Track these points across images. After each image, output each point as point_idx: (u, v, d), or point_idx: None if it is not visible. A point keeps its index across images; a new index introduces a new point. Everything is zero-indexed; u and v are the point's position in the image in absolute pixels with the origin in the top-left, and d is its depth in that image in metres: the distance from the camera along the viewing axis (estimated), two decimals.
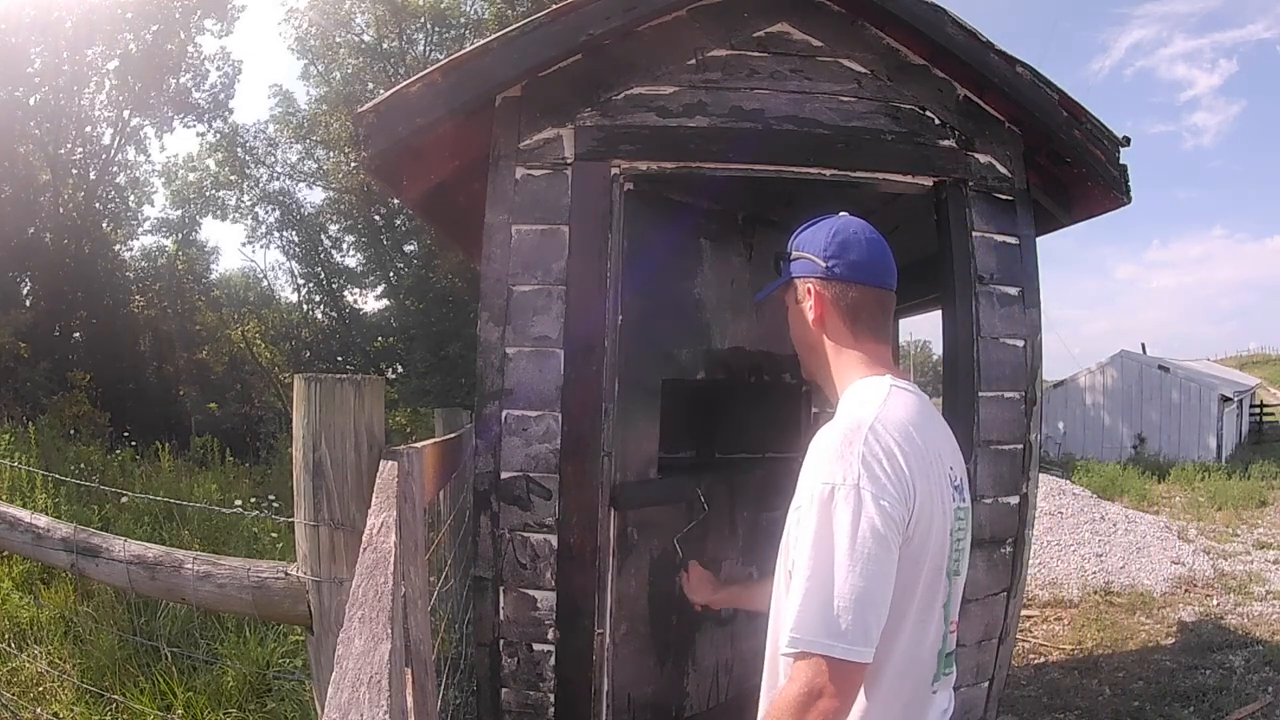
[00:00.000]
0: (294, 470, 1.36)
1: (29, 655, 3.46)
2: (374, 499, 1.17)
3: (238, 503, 5.72)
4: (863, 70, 2.37)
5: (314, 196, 21.09)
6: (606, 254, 2.24)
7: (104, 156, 17.93)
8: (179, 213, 20.35)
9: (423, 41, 19.07)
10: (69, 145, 17.10)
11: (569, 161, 2.27)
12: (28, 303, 16.44)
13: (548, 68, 2.27)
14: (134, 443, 10.00)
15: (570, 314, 2.23)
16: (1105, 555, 6.87)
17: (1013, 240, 2.44)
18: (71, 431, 10.21)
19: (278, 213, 20.56)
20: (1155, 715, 3.77)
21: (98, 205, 17.98)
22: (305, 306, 21.72)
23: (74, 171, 17.41)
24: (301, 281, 21.45)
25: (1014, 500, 2.40)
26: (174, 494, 6.54)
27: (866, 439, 1.08)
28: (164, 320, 18.59)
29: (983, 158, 2.42)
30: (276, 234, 20.88)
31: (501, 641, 2.23)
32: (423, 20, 18.72)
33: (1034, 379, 2.44)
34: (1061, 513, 7.95)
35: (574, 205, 2.25)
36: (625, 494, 2.46)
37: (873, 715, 1.13)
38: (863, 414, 1.13)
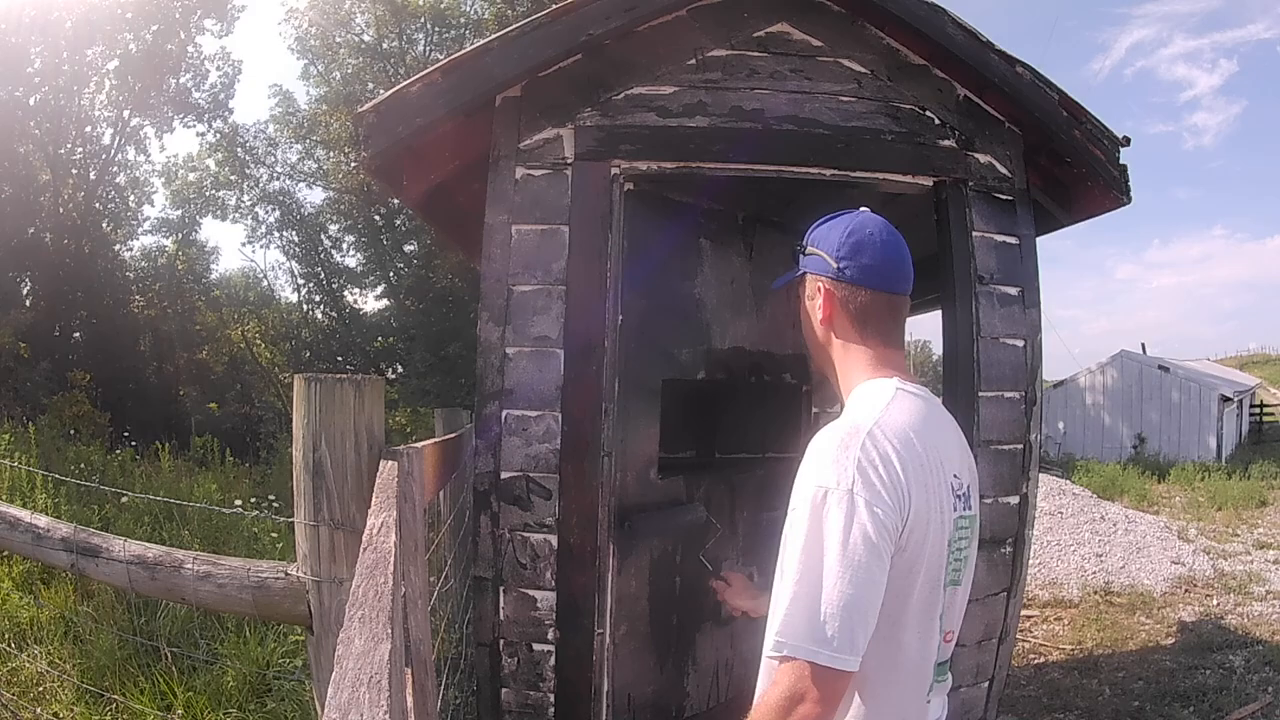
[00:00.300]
0: (294, 470, 1.36)
1: (29, 655, 3.45)
2: (374, 499, 1.17)
3: (238, 503, 5.72)
4: (863, 70, 2.37)
5: (314, 196, 21.10)
6: (606, 254, 2.24)
7: (104, 156, 17.92)
8: (179, 213, 20.34)
9: (423, 41, 19.06)
10: (69, 145, 17.09)
11: (569, 161, 2.27)
12: (28, 303, 16.43)
13: (548, 68, 2.27)
14: (134, 443, 10.00)
15: (570, 314, 2.23)
16: (1105, 555, 6.87)
17: (1013, 240, 2.44)
18: (71, 431, 10.20)
19: (278, 213, 20.54)
20: (1155, 715, 3.77)
21: (98, 205, 17.97)
22: (305, 306, 21.70)
23: (74, 171, 17.39)
24: (301, 281, 21.43)
25: (1014, 500, 2.40)
26: (174, 494, 6.53)
27: (864, 444, 1.06)
28: (164, 320, 18.57)
29: (983, 158, 2.42)
30: (276, 234, 20.86)
31: (501, 641, 2.23)
32: (423, 20, 18.71)
33: (1034, 379, 2.44)
34: (1061, 513, 7.96)
35: (574, 205, 2.25)
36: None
37: None
38: (862, 418, 1.12)
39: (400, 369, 19.47)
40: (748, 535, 3.03)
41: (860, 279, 1.22)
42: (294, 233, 20.80)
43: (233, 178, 19.96)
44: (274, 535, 5.19)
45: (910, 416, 1.14)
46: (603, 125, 2.29)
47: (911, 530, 1.07)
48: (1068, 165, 2.48)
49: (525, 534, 2.22)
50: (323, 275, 21.12)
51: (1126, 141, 2.47)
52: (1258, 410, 22.96)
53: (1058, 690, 4.10)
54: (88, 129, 17.52)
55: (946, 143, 2.39)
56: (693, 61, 2.33)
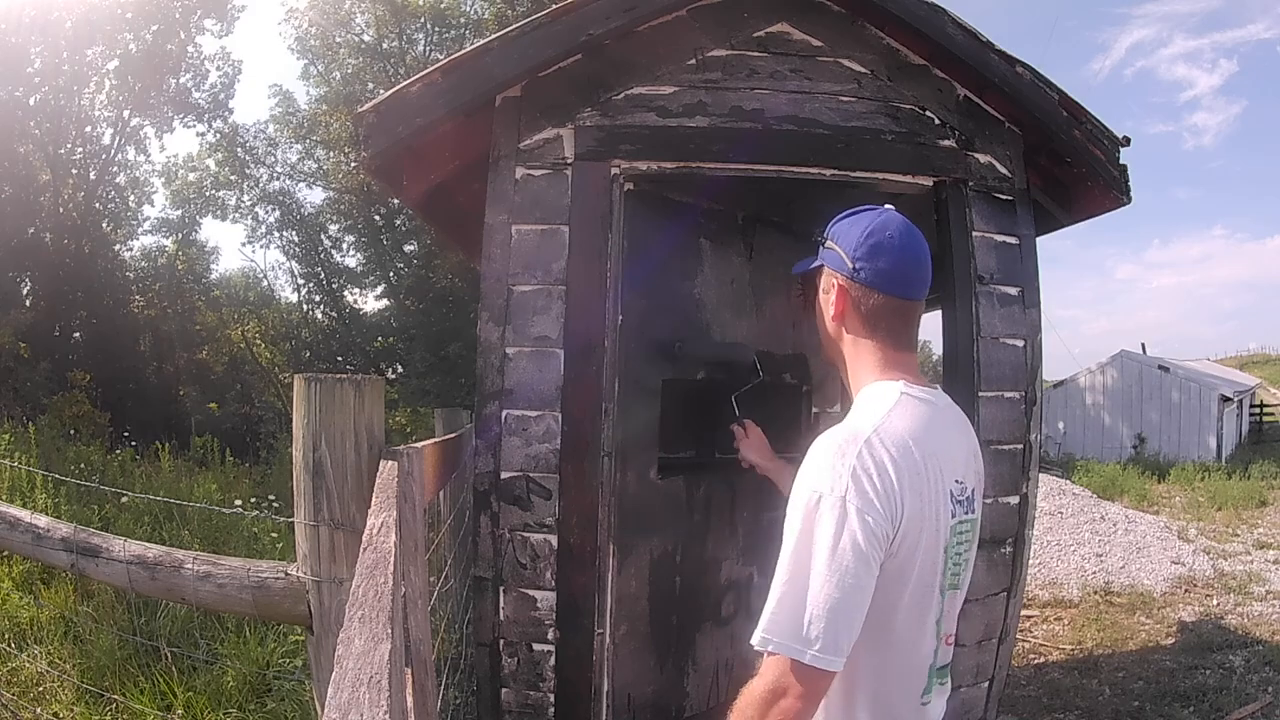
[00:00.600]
0: (294, 470, 1.36)
1: (29, 655, 3.45)
2: (374, 499, 1.17)
3: (238, 503, 5.72)
4: (863, 70, 2.37)
5: (314, 196, 21.10)
6: (606, 254, 2.24)
7: (104, 156, 17.91)
8: (179, 213, 20.34)
9: (423, 41, 19.06)
10: (69, 145, 17.08)
11: (569, 161, 2.27)
12: (28, 303, 16.42)
13: (548, 68, 2.27)
14: (134, 443, 10.00)
15: (570, 314, 2.23)
16: (1105, 555, 6.87)
17: (1013, 240, 2.44)
18: (71, 431, 10.19)
19: (278, 213, 20.54)
20: (1155, 715, 3.77)
21: (98, 205, 17.96)
22: (305, 306, 21.70)
23: (74, 171, 17.38)
24: (301, 281, 21.43)
25: (1014, 500, 2.40)
26: (174, 494, 6.53)
27: (860, 451, 1.08)
28: (164, 320, 18.57)
29: (983, 158, 2.42)
30: (276, 234, 20.86)
31: (501, 641, 2.23)
32: (423, 20, 18.71)
33: (1034, 379, 2.44)
34: (1061, 513, 7.96)
35: (574, 205, 2.25)
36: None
37: None
38: (862, 424, 1.13)
39: (400, 369, 19.47)
40: (748, 535, 3.03)
41: (874, 282, 1.21)
42: (294, 233, 20.80)
43: (233, 178, 19.95)
44: (274, 535, 5.19)
45: (911, 423, 1.14)
46: (603, 125, 2.29)
47: (904, 537, 1.09)
48: (1068, 165, 2.48)
49: (525, 534, 2.22)
50: (323, 275, 21.12)
51: (1126, 141, 2.47)
52: (1258, 410, 22.96)
53: (1058, 690, 4.10)
54: (88, 129, 17.52)
55: (946, 143, 2.39)
56: (693, 61, 2.33)
